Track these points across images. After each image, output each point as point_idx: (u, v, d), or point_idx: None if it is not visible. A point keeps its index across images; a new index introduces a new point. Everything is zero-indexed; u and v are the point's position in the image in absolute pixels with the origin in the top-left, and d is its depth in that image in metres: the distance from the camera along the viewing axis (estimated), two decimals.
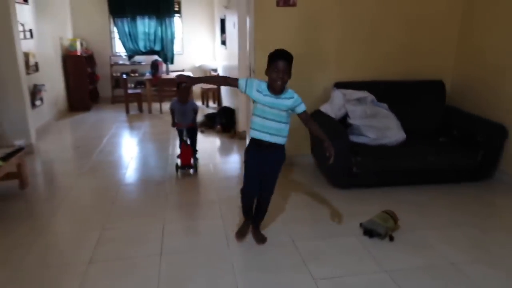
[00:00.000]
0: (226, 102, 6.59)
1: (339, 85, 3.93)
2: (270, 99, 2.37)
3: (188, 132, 3.95)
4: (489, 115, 3.71)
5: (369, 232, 2.71)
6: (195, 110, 3.99)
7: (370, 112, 3.68)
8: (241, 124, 5.13)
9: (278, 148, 2.49)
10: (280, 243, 2.65)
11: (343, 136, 3.34)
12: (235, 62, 5.23)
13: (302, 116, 2.50)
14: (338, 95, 3.80)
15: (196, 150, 4.10)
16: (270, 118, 2.40)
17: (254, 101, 2.44)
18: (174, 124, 3.98)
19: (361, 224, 2.79)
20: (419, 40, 4.12)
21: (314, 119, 3.82)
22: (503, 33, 3.62)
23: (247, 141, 2.59)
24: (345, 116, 3.75)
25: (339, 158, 3.32)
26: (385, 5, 3.98)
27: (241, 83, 2.42)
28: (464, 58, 4.12)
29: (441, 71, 4.21)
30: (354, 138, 3.59)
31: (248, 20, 3.92)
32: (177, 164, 3.94)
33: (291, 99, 2.41)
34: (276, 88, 2.35)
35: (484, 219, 3.01)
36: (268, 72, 2.35)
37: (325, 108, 3.82)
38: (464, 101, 4.08)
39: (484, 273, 2.32)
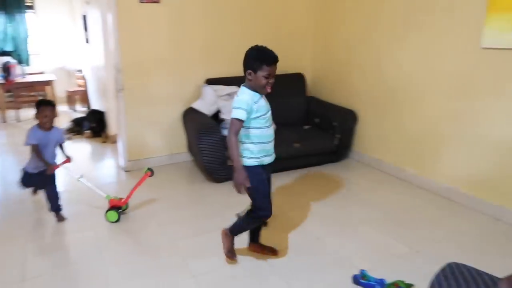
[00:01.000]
0: (95, 104, 6.16)
1: (210, 82, 4.00)
2: (264, 101, 2.14)
3: (47, 181, 2.88)
4: (343, 103, 4.19)
5: None
6: (61, 143, 2.94)
7: None
8: (112, 127, 4.86)
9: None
10: (159, 245, 2.61)
11: (215, 131, 3.43)
12: (100, 61, 4.91)
13: None
14: (209, 92, 3.87)
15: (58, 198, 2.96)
16: (269, 125, 2.18)
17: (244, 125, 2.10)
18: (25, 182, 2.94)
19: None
20: (282, 36, 4.41)
21: (187, 116, 3.91)
22: (348, 30, 4.11)
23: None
24: (218, 111, 3.84)
25: (213, 152, 3.42)
26: (250, 2, 4.16)
27: (242, 115, 2.02)
28: (319, 53, 4.57)
29: (302, 64, 4.60)
30: (227, 132, 3.71)
31: (110, 16, 3.71)
32: (111, 210, 2.87)
33: None
34: (265, 93, 2.12)
35: (342, 195, 3.42)
36: (253, 75, 2.04)
37: (198, 105, 3.86)
38: (322, 91, 4.54)
39: (341, 242, 2.64)
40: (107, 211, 2.90)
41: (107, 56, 4.54)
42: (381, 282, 2.15)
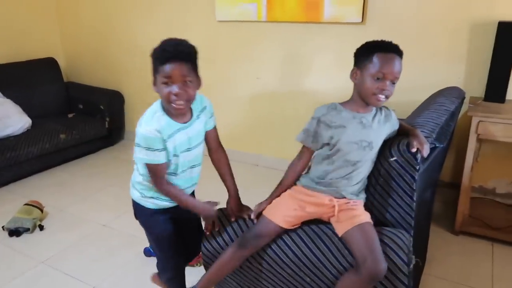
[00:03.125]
0: None
1: None
2: (184, 134, 1.39)
3: None
4: (107, 84, 4.05)
5: (15, 232, 2.49)
6: None
7: None
8: None
9: None
10: None
11: None
12: None
13: (214, 134, 1.56)
14: None
15: None
16: (195, 164, 1.50)
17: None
18: None
19: (3, 227, 2.52)
20: (19, 20, 3.84)
21: None
22: (97, 5, 3.89)
23: None
24: None
25: None
26: None
27: (156, 157, 1.33)
28: (70, 33, 4.21)
29: (50, 48, 4.14)
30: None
31: None
32: None
33: (204, 110, 1.46)
34: (180, 113, 1.35)
35: (124, 176, 3.36)
36: (156, 85, 1.32)
37: None
38: (82, 75, 4.25)
39: (128, 222, 2.63)
40: None
41: None
42: None
